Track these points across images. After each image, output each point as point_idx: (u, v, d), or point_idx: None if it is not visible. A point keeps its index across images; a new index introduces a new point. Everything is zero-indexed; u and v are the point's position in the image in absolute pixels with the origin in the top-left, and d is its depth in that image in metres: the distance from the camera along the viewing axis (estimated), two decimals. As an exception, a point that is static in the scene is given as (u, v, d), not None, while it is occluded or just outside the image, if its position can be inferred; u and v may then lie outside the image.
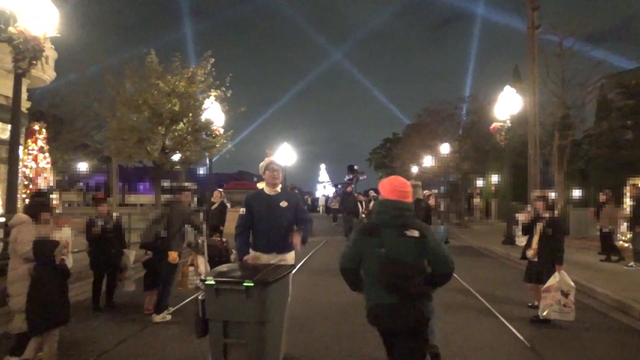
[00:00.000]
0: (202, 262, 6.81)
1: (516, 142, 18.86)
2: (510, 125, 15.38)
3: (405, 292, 3.03)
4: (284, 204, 4.75)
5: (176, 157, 15.85)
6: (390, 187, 3.25)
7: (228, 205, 13.13)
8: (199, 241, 6.90)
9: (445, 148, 27.49)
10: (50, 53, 15.16)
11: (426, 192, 7.63)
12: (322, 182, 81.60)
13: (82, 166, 37.58)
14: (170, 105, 14.35)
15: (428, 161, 32.28)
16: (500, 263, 12.64)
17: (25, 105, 13.36)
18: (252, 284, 3.68)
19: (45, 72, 15.16)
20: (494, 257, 13.73)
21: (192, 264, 6.99)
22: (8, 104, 12.18)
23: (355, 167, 66.67)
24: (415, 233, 3.07)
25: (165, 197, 6.99)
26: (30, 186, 14.34)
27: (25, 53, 7.78)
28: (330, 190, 56.29)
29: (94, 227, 6.98)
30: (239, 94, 17.36)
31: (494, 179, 33.83)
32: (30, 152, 14.89)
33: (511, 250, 13.44)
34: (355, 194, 21.01)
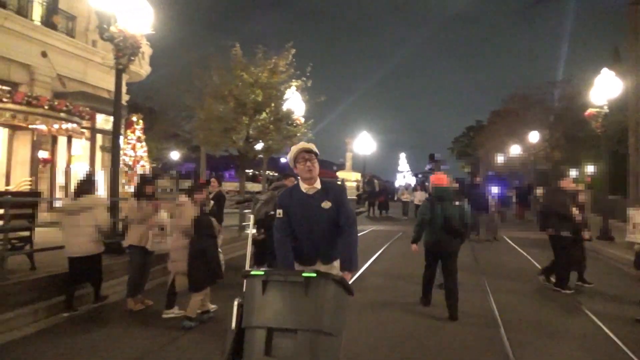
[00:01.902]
0: None
1: (614, 129, 17.38)
2: (607, 111, 14.21)
3: (454, 233, 6.12)
4: (326, 204, 3.53)
5: (259, 146, 16.41)
6: (438, 180, 6.54)
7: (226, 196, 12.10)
8: None
9: (534, 136, 26.01)
10: (146, 49, 16.33)
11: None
12: (401, 172, 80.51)
13: (174, 155, 40.02)
14: (253, 95, 14.87)
15: (515, 150, 30.73)
16: (593, 259, 11.82)
17: (124, 98, 14.51)
18: (314, 275, 2.84)
19: (141, 67, 16.37)
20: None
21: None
22: (110, 97, 13.33)
23: (437, 156, 64.92)
24: (457, 203, 6.28)
25: (275, 183, 7.40)
26: (129, 172, 15.51)
27: (125, 50, 8.42)
28: (411, 180, 55.34)
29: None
30: (319, 83, 17.55)
31: (589, 169, 31.46)
32: (129, 141, 16.16)
33: (608, 246, 12.51)
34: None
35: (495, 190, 16.93)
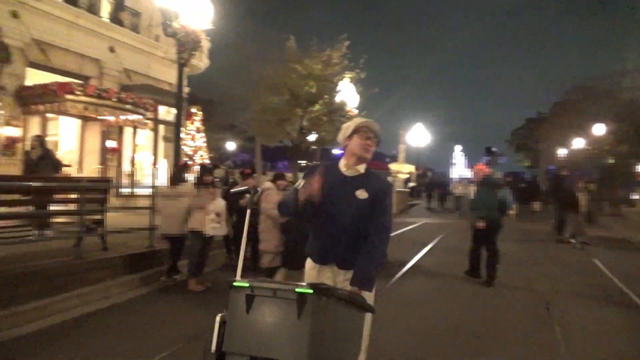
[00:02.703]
0: None
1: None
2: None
3: (501, 212, 7.44)
4: (362, 194, 2.75)
5: (312, 137, 16.68)
6: (482, 169, 8.05)
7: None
8: None
9: (599, 129, 24.77)
10: (205, 43, 16.91)
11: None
12: (456, 164, 78.73)
13: (230, 145, 41.16)
14: (307, 87, 15.12)
15: (578, 143, 29.36)
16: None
17: (185, 90, 15.15)
18: (310, 291, 2.12)
19: (201, 61, 17.00)
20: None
21: None
22: (172, 89, 13.98)
23: (494, 148, 62.98)
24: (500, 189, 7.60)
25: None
26: (189, 162, 16.19)
27: (186, 45, 8.82)
28: (467, 173, 53.97)
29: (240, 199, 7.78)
30: (373, 74, 17.53)
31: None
32: (189, 132, 16.86)
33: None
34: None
35: None
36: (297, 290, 2.13)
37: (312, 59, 15.26)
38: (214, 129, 29.60)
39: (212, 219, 6.59)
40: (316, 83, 15.20)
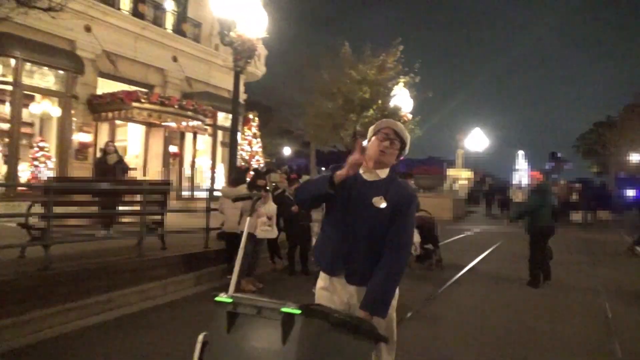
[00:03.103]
0: (415, 232, 7.69)
1: None
2: None
3: (555, 218, 7.75)
4: (380, 202, 2.38)
5: (366, 142, 16.70)
6: (538, 176, 8.32)
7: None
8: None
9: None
10: (261, 51, 17.38)
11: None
12: (518, 170, 75.84)
13: (286, 150, 41.86)
14: (361, 92, 15.18)
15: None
16: None
17: (242, 97, 15.65)
18: (297, 311, 1.77)
19: (257, 68, 17.46)
20: None
21: None
22: (230, 96, 14.48)
23: (559, 154, 60.18)
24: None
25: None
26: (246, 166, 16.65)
27: (243, 54, 9.13)
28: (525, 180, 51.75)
29: (287, 204, 7.85)
30: (429, 78, 17.36)
31: None
32: (246, 137, 17.35)
33: None
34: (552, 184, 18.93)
35: (630, 193, 15.30)
36: (283, 309, 1.76)
37: (366, 64, 15.33)
38: (270, 134, 30.27)
39: (263, 222, 6.78)
40: (370, 88, 15.26)
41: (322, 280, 2.52)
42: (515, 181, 61.35)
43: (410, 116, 16.28)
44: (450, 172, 33.51)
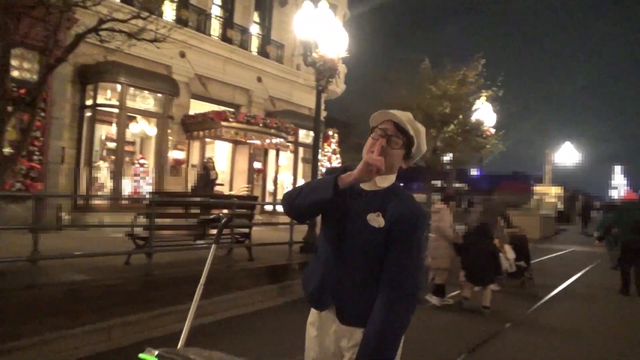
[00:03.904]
0: (509, 249, 8.17)
1: None
2: None
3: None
4: (375, 219, 1.83)
5: (447, 157, 16.45)
6: (631, 196, 9.13)
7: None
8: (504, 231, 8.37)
9: None
10: (342, 69, 17.78)
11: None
12: (615, 187, 70.31)
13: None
14: (441, 108, 15.02)
15: None
16: None
17: (323, 114, 16.08)
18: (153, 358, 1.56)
19: (337, 86, 17.88)
20: None
21: (500, 251, 7.89)
22: (310, 114, 14.97)
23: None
24: None
25: (483, 197, 8.56)
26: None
27: (324, 73, 9.46)
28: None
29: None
30: (513, 91, 16.77)
31: None
32: (326, 153, 17.72)
33: None
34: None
35: None
36: (140, 355, 1.56)
37: (446, 79, 15.17)
38: (349, 150, 30.55)
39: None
40: (450, 103, 15.05)
41: (312, 314, 2.03)
42: (610, 198, 56.91)
43: (493, 130, 15.82)
44: (538, 188, 31.84)
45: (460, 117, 15.30)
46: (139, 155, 12.77)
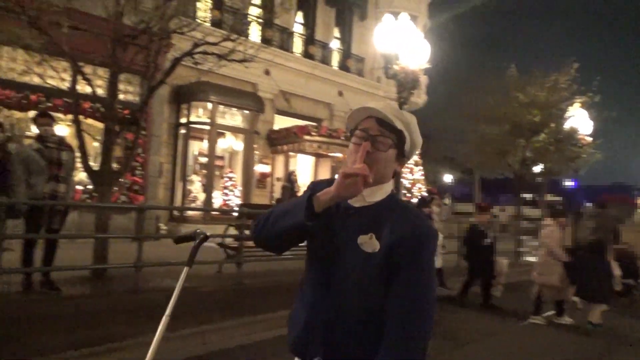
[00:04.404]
0: (615, 266, 7.45)
1: None
2: None
3: None
4: (368, 242, 1.41)
5: (537, 168, 15.62)
6: None
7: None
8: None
9: None
10: (423, 80, 17.59)
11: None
12: None
13: (447, 178, 40.95)
14: (530, 116, 14.33)
15: None
16: None
17: (404, 126, 15.94)
18: None
19: (419, 97, 17.69)
20: None
21: None
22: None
23: None
24: None
25: (593, 210, 8.04)
26: (407, 194, 16.80)
27: (406, 85, 9.43)
28: None
29: (476, 234, 7.55)
30: (612, 95, 15.61)
31: None
32: (407, 165, 17.53)
33: None
34: None
35: None
36: None
37: (534, 86, 14.47)
38: (431, 161, 29.99)
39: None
40: (540, 111, 14.32)
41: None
42: None
43: (589, 139, 14.79)
44: (643, 200, 29.15)
45: (552, 125, 14.49)
46: (227, 169, 13.44)
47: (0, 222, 5.03)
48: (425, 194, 17.22)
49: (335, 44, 16.24)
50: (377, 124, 1.45)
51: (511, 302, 7.43)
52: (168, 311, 1.98)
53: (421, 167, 17.65)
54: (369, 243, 1.41)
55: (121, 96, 8.47)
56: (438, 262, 7.05)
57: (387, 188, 1.49)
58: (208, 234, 2.03)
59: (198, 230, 2.06)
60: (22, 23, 5.63)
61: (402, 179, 16.47)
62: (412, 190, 17.01)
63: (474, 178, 29.86)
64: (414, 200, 12.91)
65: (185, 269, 2.01)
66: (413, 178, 17.68)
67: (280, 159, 14.28)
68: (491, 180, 31.27)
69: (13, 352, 3.57)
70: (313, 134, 12.75)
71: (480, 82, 15.97)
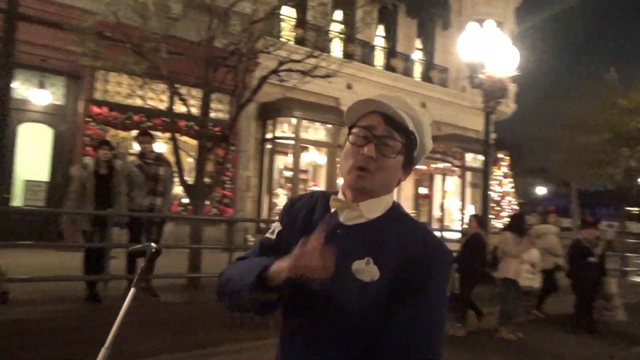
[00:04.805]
0: None
1: None
2: None
3: None
4: (365, 269, 1.10)
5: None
6: None
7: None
8: None
9: None
10: (511, 88, 16.85)
11: None
12: None
13: (540, 190, 38.60)
14: (634, 123, 13.19)
15: None
16: None
17: (492, 137, 15.36)
18: None
19: (507, 106, 16.95)
20: None
21: None
22: (478, 137, 14.39)
23: None
24: None
25: None
26: (496, 208, 16.10)
27: (492, 94, 9.11)
28: None
29: (581, 251, 7.08)
30: None
31: None
32: (496, 177, 16.81)
33: None
34: None
35: None
36: None
37: (638, 91, 13.31)
38: (522, 173, 28.48)
39: (526, 269, 6.45)
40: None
41: None
42: None
43: None
44: None
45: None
46: (311, 182, 13.69)
47: (107, 232, 5.51)
48: (516, 207, 16.37)
49: (417, 55, 16.06)
50: (383, 122, 1.16)
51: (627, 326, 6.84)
52: (107, 343, 1.55)
53: (511, 179, 16.84)
54: (366, 270, 1.10)
55: (212, 114, 8.97)
56: (536, 282, 6.60)
57: (389, 200, 1.21)
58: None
59: (152, 244, 1.68)
60: (127, 51, 6.19)
61: (490, 192, 15.82)
62: (502, 204, 16.26)
63: (570, 190, 27.87)
64: (504, 214, 12.30)
65: (132, 291, 1.56)
66: (502, 190, 16.91)
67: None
68: (590, 193, 29.05)
69: (132, 350, 3.85)
70: (395, 146, 12.65)
71: (575, 88, 15.00)
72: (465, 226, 8.36)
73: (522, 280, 6.38)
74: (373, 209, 1.17)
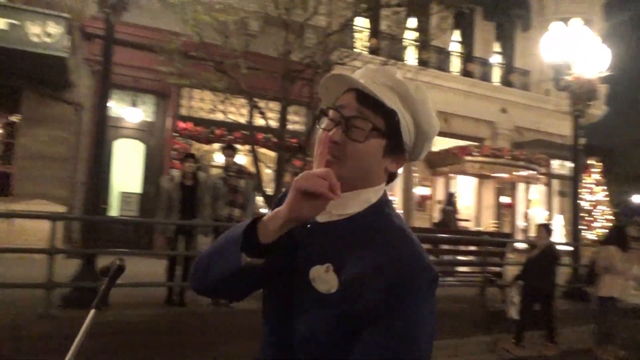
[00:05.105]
0: None
1: None
2: None
3: None
4: (323, 277, 0.92)
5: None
6: None
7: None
8: None
9: None
10: (602, 89, 15.72)
11: None
12: None
13: (638, 198, 35.50)
14: None
15: None
16: None
17: (580, 142, 14.40)
18: None
19: (598, 109, 15.83)
20: None
21: None
22: (564, 142, 13.55)
23: None
24: None
25: None
26: (587, 217, 15.08)
27: (581, 96, 8.56)
28: None
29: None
30: None
31: None
32: (586, 185, 15.74)
33: None
34: None
35: None
36: None
37: None
38: (616, 180, 26.41)
39: (632, 286, 5.96)
40: None
41: None
42: None
43: None
44: None
45: None
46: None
47: (193, 241, 5.79)
48: (610, 217, 15.21)
49: (495, 59, 15.46)
50: (356, 100, 0.98)
51: None
52: (68, 357, 1.36)
53: (604, 187, 15.68)
54: (323, 278, 0.92)
55: (290, 126, 9.18)
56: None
57: (369, 196, 0.99)
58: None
59: (116, 261, 1.52)
60: (209, 68, 6.52)
61: (580, 201, 14.82)
62: (593, 214, 15.18)
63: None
64: (596, 224, 11.43)
65: (92, 312, 1.45)
66: (595, 199, 15.79)
67: (440, 181, 13.95)
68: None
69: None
70: (475, 154, 12.23)
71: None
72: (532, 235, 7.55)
73: (628, 297, 5.89)
74: (344, 204, 0.96)
